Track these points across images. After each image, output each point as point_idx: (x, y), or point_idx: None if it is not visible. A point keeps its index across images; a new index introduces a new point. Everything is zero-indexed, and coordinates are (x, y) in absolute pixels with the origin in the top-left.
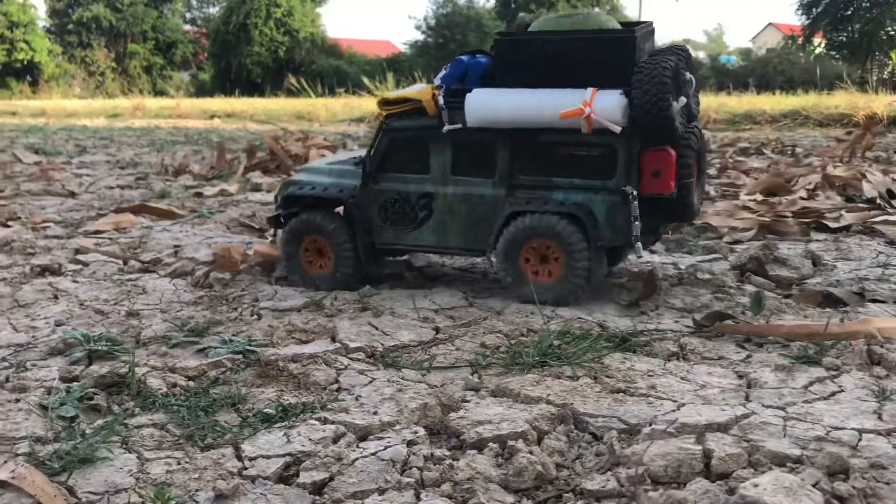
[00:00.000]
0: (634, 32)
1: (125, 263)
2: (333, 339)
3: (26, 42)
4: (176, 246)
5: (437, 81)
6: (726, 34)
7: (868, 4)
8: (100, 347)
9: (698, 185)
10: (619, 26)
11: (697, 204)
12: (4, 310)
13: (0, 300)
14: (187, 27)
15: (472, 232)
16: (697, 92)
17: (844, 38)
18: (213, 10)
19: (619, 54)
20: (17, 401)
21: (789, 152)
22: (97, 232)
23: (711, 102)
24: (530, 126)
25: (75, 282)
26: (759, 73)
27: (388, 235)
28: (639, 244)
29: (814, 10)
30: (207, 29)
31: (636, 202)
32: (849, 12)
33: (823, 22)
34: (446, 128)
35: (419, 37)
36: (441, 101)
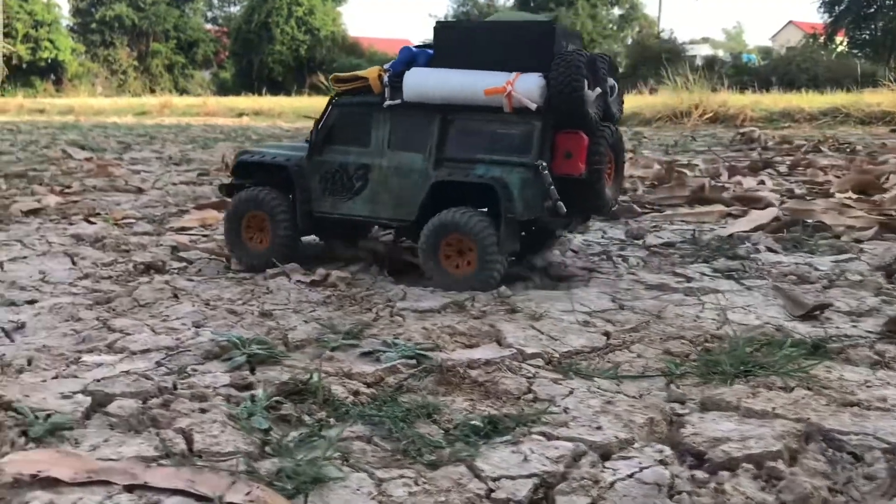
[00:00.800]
0: (553, 25)
1: (228, 260)
2: (500, 344)
3: (50, 41)
4: None
5: (386, 66)
6: (745, 33)
7: (891, 2)
8: (259, 351)
9: (615, 181)
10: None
11: (611, 197)
12: (126, 310)
13: (119, 299)
14: (208, 26)
15: (402, 203)
16: (621, 97)
17: (867, 37)
18: (234, 9)
19: (539, 43)
20: (204, 411)
21: (848, 150)
22: (183, 228)
23: (744, 100)
24: (459, 102)
25: (190, 280)
26: (781, 71)
27: (325, 204)
28: (559, 203)
29: (836, 8)
30: (228, 28)
31: (547, 172)
32: (871, 10)
33: (846, 20)
34: (387, 102)
35: None
36: (385, 79)
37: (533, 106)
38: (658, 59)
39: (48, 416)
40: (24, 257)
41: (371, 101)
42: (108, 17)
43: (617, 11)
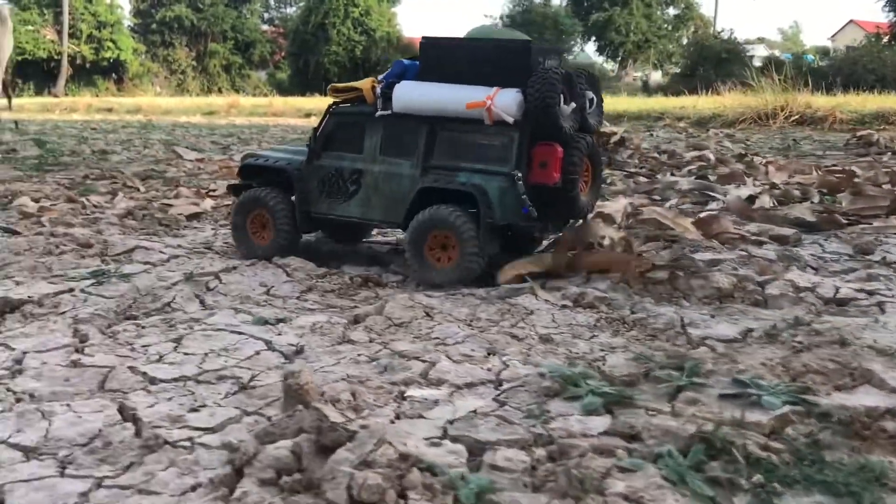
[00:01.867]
0: (529, 44)
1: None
2: (880, 387)
3: (113, 41)
4: None
5: (380, 79)
6: (802, 32)
7: None
8: (608, 391)
9: (592, 188)
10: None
11: (587, 203)
12: (385, 329)
13: (370, 318)
14: (265, 27)
15: (391, 206)
16: (601, 110)
17: None
18: (291, 10)
19: (517, 61)
20: (624, 470)
21: None
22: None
23: (830, 102)
24: (443, 114)
25: (428, 296)
26: (846, 71)
27: (323, 206)
28: (531, 207)
29: None
30: (284, 28)
31: (521, 182)
32: None
33: None
34: (379, 112)
35: None
36: (378, 90)
37: (510, 119)
38: (718, 58)
39: (462, 476)
40: (234, 268)
41: (365, 111)
42: (167, 18)
43: (672, 11)
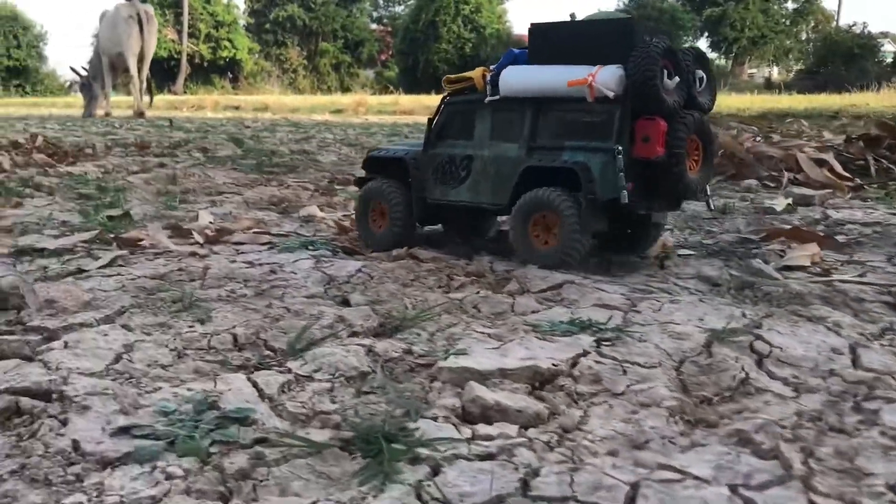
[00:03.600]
0: (632, 20)
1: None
2: None
3: (229, 40)
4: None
5: (492, 68)
6: None
7: None
8: None
9: (703, 167)
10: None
11: (696, 182)
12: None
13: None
14: (373, 26)
15: (498, 189)
16: (712, 89)
17: None
18: (399, 9)
19: (620, 38)
20: None
21: None
22: None
23: None
24: (547, 94)
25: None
26: None
27: (437, 192)
28: (624, 192)
29: None
30: (392, 27)
31: (621, 156)
32: None
33: None
34: (487, 98)
35: None
36: (488, 78)
37: (611, 94)
38: (849, 54)
39: None
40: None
41: (475, 99)
42: (280, 18)
43: (790, 5)
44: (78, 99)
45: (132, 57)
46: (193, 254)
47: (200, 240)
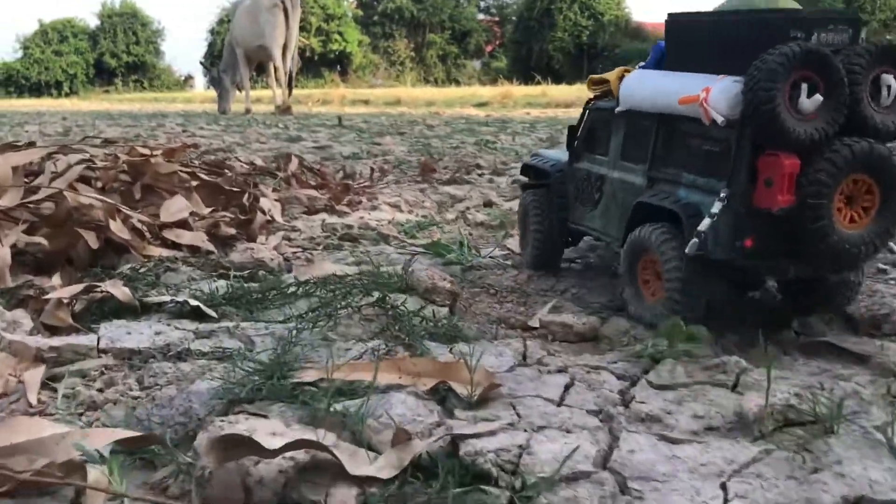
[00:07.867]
0: (796, 13)
1: None
2: None
3: (340, 33)
4: None
5: (641, 65)
6: None
7: None
8: None
9: (878, 220)
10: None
11: (856, 240)
12: None
13: None
14: (480, 16)
15: (621, 220)
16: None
17: None
18: None
19: (770, 38)
20: None
21: None
22: None
23: None
24: (663, 111)
25: None
26: None
27: (576, 214)
28: (692, 245)
29: None
30: (500, 17)
31: (725, 204)
32: None
33: None
34: (617, 109)
35: None
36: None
37: (720, 119)
38: None
39: None
40: None
41: (611, 108)
42: (389, 10)
43: None
44: (196, 94)
45: (277, 49)
46: None
47: None
